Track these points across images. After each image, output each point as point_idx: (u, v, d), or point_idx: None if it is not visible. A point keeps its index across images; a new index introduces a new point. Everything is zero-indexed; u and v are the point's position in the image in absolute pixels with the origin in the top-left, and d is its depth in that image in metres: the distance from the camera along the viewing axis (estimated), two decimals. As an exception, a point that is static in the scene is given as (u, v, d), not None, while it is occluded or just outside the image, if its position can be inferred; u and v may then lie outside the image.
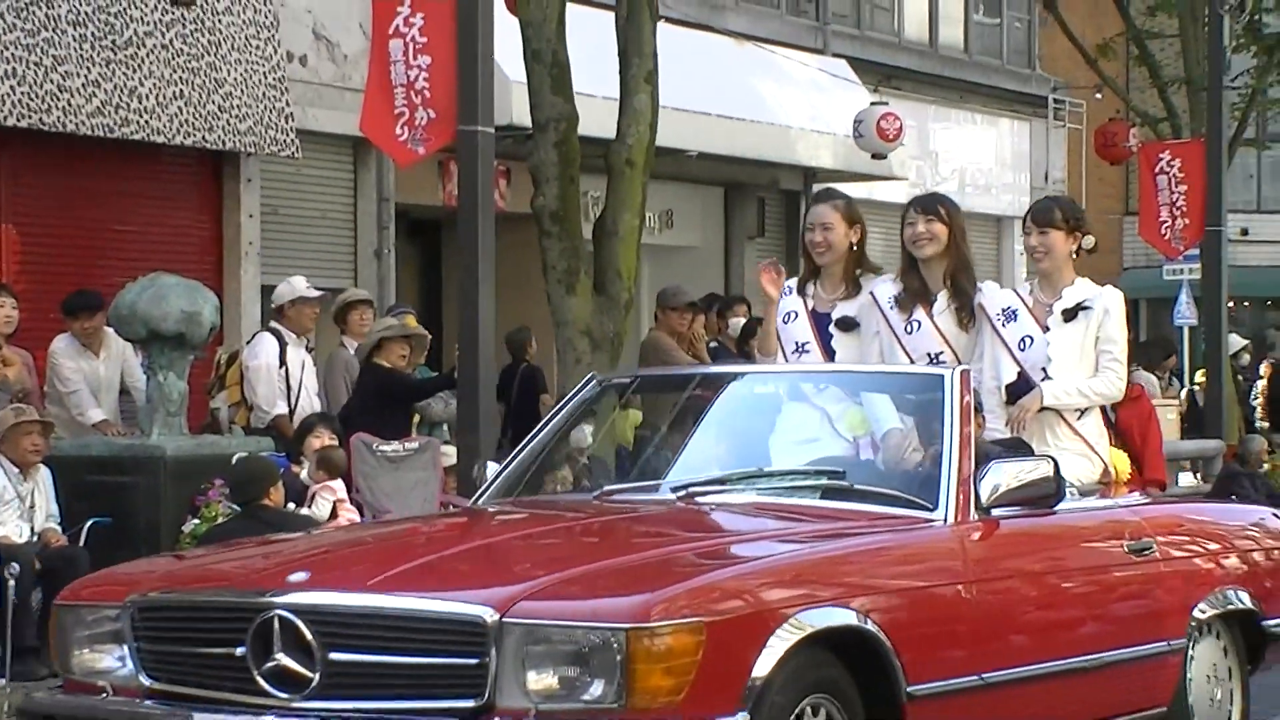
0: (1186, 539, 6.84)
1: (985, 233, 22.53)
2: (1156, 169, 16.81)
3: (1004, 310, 6.97)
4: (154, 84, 12.88)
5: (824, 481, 6.13)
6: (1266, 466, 15.18)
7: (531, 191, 11.65)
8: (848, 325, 7.07)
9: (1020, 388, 6.87)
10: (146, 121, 12.82)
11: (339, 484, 9.72)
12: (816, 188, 19.26)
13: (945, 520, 5.90)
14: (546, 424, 6.81)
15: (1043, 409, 6.86)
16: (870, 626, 5.38)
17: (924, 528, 5.90)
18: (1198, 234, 16.61)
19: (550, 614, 4.98)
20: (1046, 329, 6.93)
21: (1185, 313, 21.52)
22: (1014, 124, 22.61)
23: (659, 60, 12.04)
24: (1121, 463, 7.08)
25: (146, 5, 12.89)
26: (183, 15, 12.87)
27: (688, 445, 6.65)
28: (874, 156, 17.80)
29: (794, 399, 6.59)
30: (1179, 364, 19.94)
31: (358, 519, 9.60)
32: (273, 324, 11.47)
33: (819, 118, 18.41)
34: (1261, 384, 18.95)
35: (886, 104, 18.19)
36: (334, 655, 5.09)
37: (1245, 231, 28.95)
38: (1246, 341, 19.57)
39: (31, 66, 12.12)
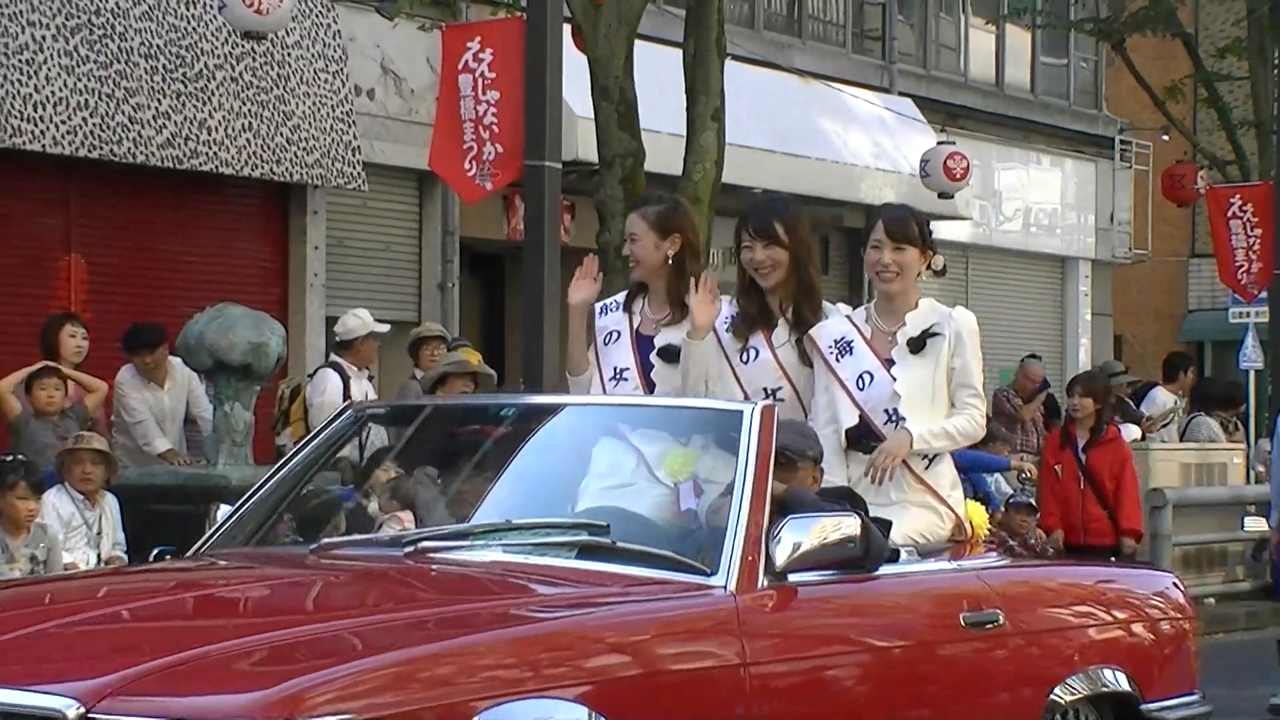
0: (1048, 608, 5.81)
1: (1049, 274, 22.44)
2: (1229, 213, 16.75)
3: (837, 342, 5.92)
4: (223, 116, 12.98)
5: (581, 538, 5.06)
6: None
7: (595, 227, 11.67)
8: (670, 355, 6.07)
9: (862, 432, 5.87)
10: (215, 153, 12.91)
11: (408, 515, 9.73)
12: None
13: (726, 587, 4.84)
14: (292, 459, 5.77)
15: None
16: None
17: (695, 596, 4.85)
18: (1268, 277, 16.55)
19: (146, 710, 3.99)
20: (890, 362, 5.90)
21: (1251, 356, 21.33)
22: (1079, 165, 22.52)
23: (725, 98, 12.06)
24: (979, 516, 6.09)
25: (217, 38, 13.00)
26: (253, 49, 12.97)
27: (457, 491, 5.77)
28: (940, 196, 17.75)
29: (609, 436, 5.54)
30: (1244, 409, 19.76)
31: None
32: (334, 358, 11.48)
33: (883, 156, 18.39)
34: None
35: (954, 143, 18.14)
36: None
37: (1312, 275, 28.70)
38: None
39: (104, 98, 12.24)
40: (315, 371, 11.74)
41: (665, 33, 14.74)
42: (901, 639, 5.27)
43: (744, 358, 5.99)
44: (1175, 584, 6.31)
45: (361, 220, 14.79)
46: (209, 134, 12.89)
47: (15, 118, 11.77)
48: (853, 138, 18.20)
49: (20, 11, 11.90)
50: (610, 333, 6.18)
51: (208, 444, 10.08)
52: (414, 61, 14.64)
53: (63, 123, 12.00)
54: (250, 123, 13.15)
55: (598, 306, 6.25)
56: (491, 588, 4.89)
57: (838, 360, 5.88)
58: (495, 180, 10.34)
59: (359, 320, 11.33)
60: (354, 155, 13.78)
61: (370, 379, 11.62)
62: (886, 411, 5.84)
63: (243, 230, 13.95)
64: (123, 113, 12.35)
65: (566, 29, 10.89)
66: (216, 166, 12.93)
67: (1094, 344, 22.63)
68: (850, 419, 5.85)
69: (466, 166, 10.31)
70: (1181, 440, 15.99)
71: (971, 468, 13.69)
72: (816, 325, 5.96)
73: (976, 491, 14.02)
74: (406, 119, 14.67)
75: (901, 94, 19.44)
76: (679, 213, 6.27)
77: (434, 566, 5.01)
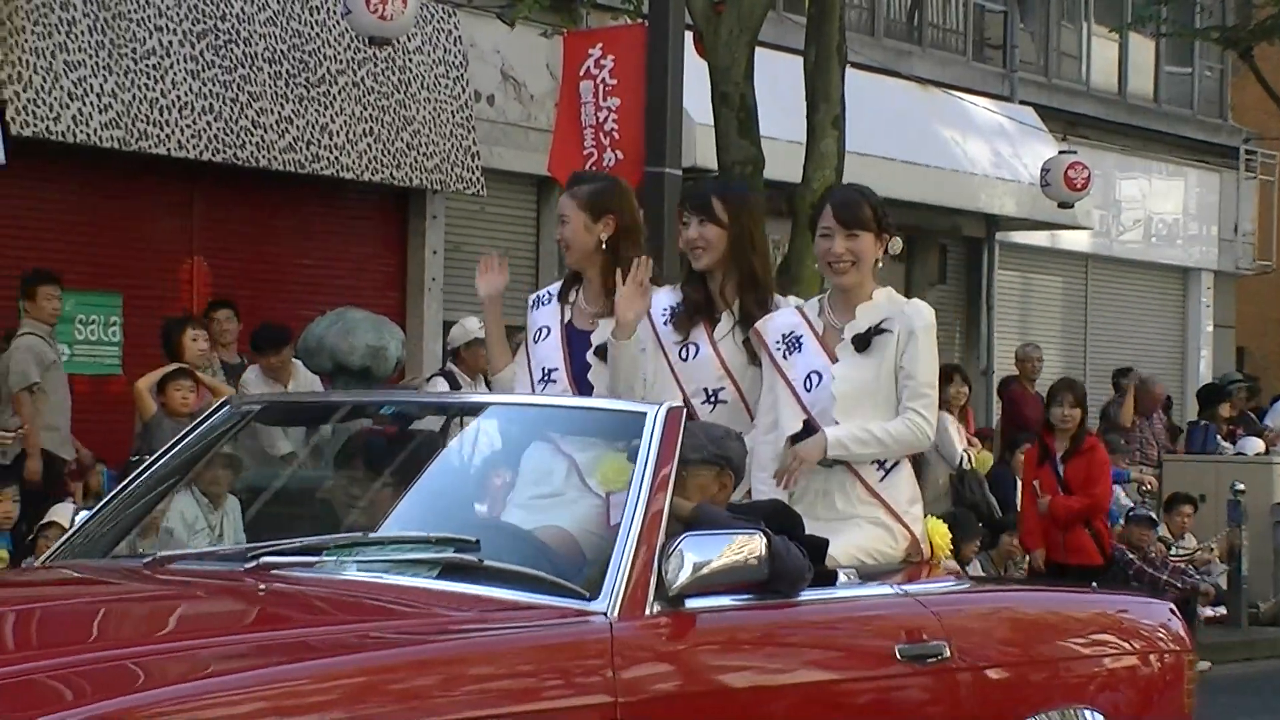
0: (1009, 640, 5.11)
1: (1171, 285, 22.17)
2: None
3: (785, 337, 5.31)
4: (344, 121, 13.08)
5: (446, 555, 4.42)
6: None
7: (715, 234, 11.64)
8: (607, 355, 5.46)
9: (807, 438, 5.26)
10: (336, 158, 13.01)
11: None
12: (999, 237, 19.11)
13: (608, 613, 4.21)
14: (165, 457, 5.11)
15: (830, 462, 5.22)
16: None
17: (566, 624, 4.20)
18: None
19: None
20: (838, 360, 5.30)
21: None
22: (1202, 174, 22.24)
23: (845, 105, 12.01)
24: (940, 535, 5.40)
25: (340, 43, 13.10)
26: (374, 54, 13.06)
27: (342, 497, 5.31)
28: (1061, 205, 17.60)
29: (540, 440, 4.98)
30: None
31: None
32: (449, 367, 11.51)
33: (1003, 165, 18.24)
34: None
35: (1075, 152, 17.98)
36: None
37: None
38: None
39: (228, 103, 12.37)
40: (429, 379, 11.78)
41: (786, 40, 14.70)
42: (820, 673, 4.60)
43: (683, 354, 5.43)
44: (1172, 612, 5.59)
45: (480, 225, 14.85)
46: (330, 139, 12.99)
47: (142, 121, 11.92)
48: (972, 146, 18.06)
49: (148, 17, 12.05)
50: (540, 329, 5.63)
51: (328, 447, 10.13)
52: (534, 68, 14.68)
53: (188, 126, 12.14)
54: (371, 128, 13.24)
55: (530, 299, 5.76)
56: (323, 611, 4.27)
57: (785, 357, 5.29)
58: (615, 187, 10.35)
59: (462, 329, 11.34)
60: (473, 161, 13.83)
61: (488, 383, 11.63)
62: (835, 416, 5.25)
63: (362, 234, 14.04)
64: (246, 117, 12.47)
65: (687, 35, 10.88)
66: (337, 171, 13.03)
67: (1215, 356, 22.33)
68: (795, 423, 5.24)
69: (586, 173, 10.31)
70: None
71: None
72: (764, 318, 5.38)
73: (1095, 504, 13.88)
74: (526, 125, 14.71)
75: (1022, 102, 19.28)
76: (614, 193, 5.65)
77: (264, 585, 4.36)
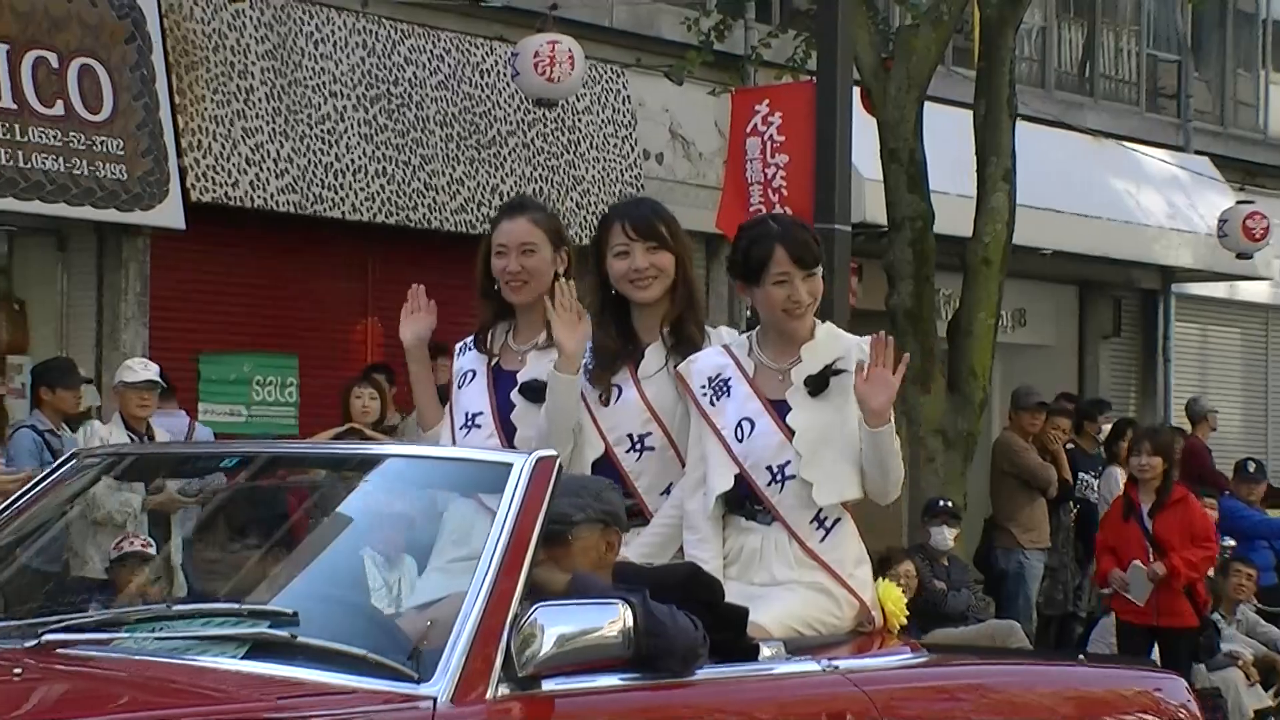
0: None
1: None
2: None
3: (711, 380, 4.71)
4: (515, 181, 13.21)
5: (257, 630, 3.90)
6: None
7: (883, 289, 11.59)
8: (535, 393, 4.93)
9: (742, 494, 4.63)
10: (507, 218, 13.14)
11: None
12: (1175, 289, 18.80)
13: (438, 698, 3.66)
14: (13, 509, 4.60)
15: (770, 519, 4.65)
16: None
17: (386, 712, 3.65)
18: None
19: None
20: (782, 405, 4.67)
21: None
22: (1386, 223, 21.74)
23: (1016, 158, 11.92)
24: (893, 601, 4.76)
25: (510, 105, 13.25)
26: (544, 115, 13.19)
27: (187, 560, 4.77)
28: (1239, 256, 17.31)
29: (462, 496, 4.46)
30: None
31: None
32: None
33: (1179, 216, 17.98)
34: None
35: (1253, 202, 17.68)
36: None
37: None
38: None
39: (400, 166, 12.55)
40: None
41: (954, 94, 14.61)
42: None
43: (604, 399, 4.87)
44: (1189, 688, 4.94)
45: (649, 283, 14.92)
46: (501, 199, 13.12)
47: (317, 185, 12.13)
48: (1146, 197, 17.82)
49: (323, 83, 12.28)
50: (465, 374, 5.19)
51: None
52: (702, 126, 14.74)
53: (361, 190, 12.34)
54: (541, 188, 13.36)
55: (457, 346, 5.35)
56: (93, 698, 3.70)
57: (712, 404, 4.67)
58: (784, 243, 10.35)
59: None
60: (642, 219, 13.90)
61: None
62: (770, 469, 4.62)
63: (533, 294, 14.16)
64: (418, 179, 12.65)
65: (855, 92, 10.87)
66: (508, 231, 13.16)
67: (1402, 408, 21.77)
68: (725, 481, 4.63)
69: (755, 230, 10.32)
70: None
71: (1277, 535, 13.22)
72: (687, 360, 4.81)
73: (1280, 560, 13.57)
74: (694, 183, 14.76)
75: (1198, 152, 19.00)
76: (563, 224, 5.28)
77: (20, 668, 3.83)
